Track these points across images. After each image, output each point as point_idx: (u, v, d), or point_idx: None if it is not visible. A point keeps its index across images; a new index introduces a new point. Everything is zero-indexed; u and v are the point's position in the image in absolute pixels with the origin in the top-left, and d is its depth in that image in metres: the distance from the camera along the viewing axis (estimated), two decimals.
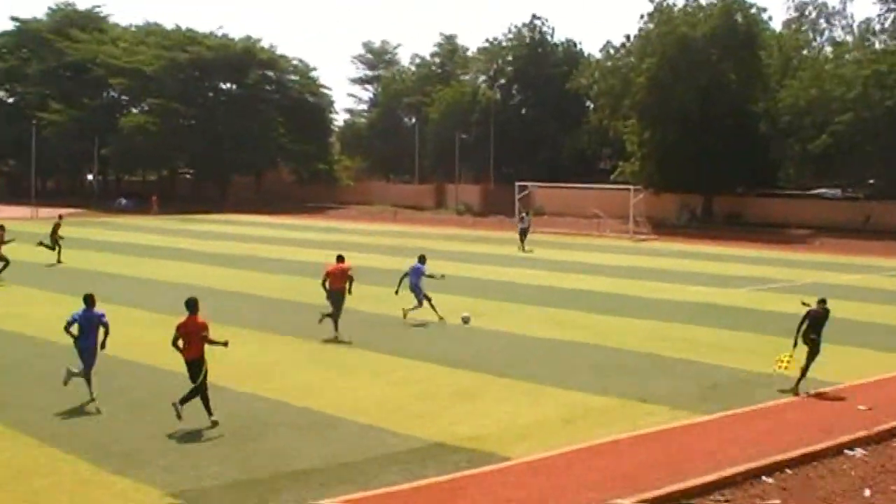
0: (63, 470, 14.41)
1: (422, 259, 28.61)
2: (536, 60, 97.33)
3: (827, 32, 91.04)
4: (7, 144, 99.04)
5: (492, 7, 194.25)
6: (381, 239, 59.16)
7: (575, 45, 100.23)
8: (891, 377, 21.67)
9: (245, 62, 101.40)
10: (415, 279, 27.88)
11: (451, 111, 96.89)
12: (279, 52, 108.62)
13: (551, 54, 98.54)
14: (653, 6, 76.03)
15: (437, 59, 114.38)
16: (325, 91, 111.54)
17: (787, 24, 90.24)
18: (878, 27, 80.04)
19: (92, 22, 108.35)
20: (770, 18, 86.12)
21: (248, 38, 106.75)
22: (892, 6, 78.17)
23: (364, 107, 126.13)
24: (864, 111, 66.29)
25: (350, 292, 25.57)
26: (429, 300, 27.87)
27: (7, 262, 36.22)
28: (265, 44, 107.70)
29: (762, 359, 22.56)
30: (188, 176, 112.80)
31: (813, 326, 19.89)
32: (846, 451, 16.03)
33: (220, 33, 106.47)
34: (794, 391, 19.67)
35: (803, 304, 20.69)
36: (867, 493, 14.30)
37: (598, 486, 13.78)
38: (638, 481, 13.95)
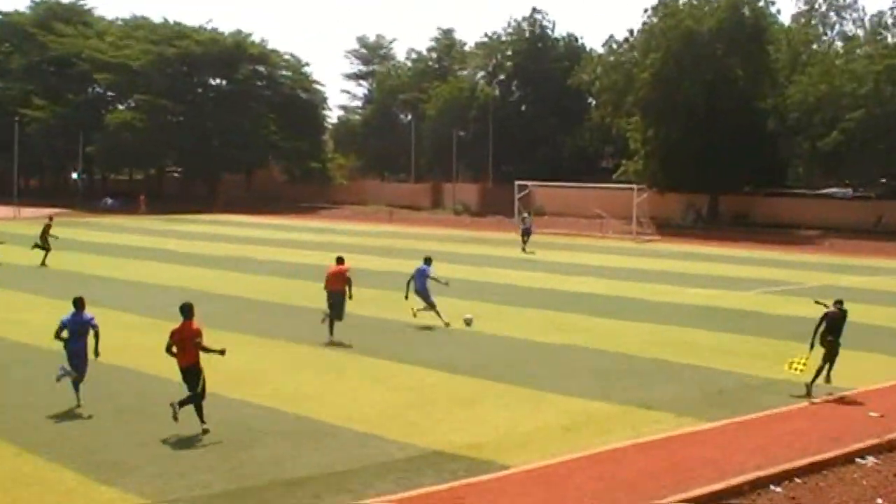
0: (48, 479, 14.41)
1: (427, 261, 28.59)
2: (536, 55, 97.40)
3: (837, 26, 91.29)
4: None
5: (490, 0, 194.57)
6: (376, 240, 59.18)
7: (576, 39, 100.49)
8: None
9: (235, 57, 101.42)
10: (420, 282, 27.94)
11: (449, 108, 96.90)
12: (270, 46, 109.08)
13: (552, 49, 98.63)
14: None
15: (433, 54, 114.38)
16: (318, 87, 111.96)
17: (796, 17, 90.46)
18: (890, 21, 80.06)
19: (76, 15, 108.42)
20: (778, 12, 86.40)
21: (239, 32, 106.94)
22: None
23: (358, 103, 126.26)
24: (876, 108, 66.41)
25: (350, 297, 25.65)
26: (428, 303, 27.92)
27: None
28: (256, 38, 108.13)
29: (769, 364, 22.61)
30: (176, 175, 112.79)
31: (830, 328, 20.00)
32: (857, 460, 16.04)
33: (209, 27, 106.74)
34: (808, 393, 19.81)
35: (817, 302, 20.80)
36: (879, 503, 14.33)
37: (599, 496, 13.81)
38: (641, 491, 13.97)
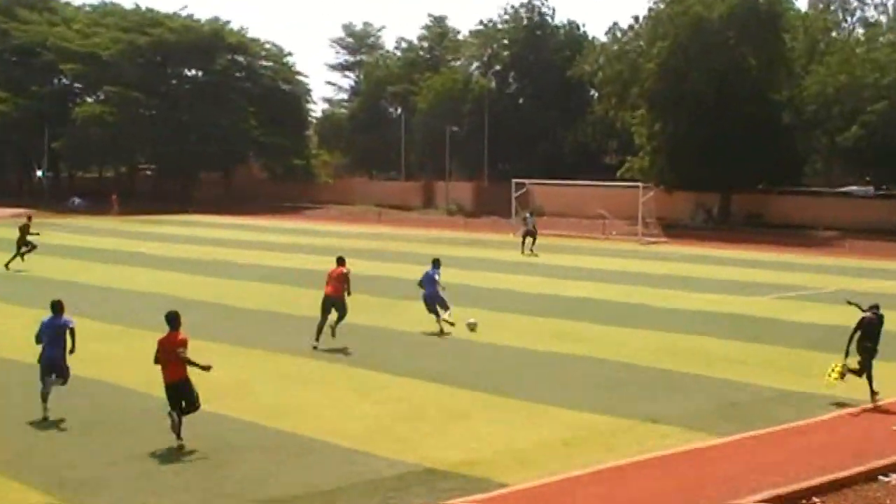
0: (10, 499, 14.39)
1: (436, 263, 28.81)
2: (535, 45, 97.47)
3: (858, 12, 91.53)
4: None
5: None
6: (364, 242, 59.16)
7: (578, 27, 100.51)
8: None
9: (212, 46, 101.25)
10: (430, 289, 28.14)
11: (441, 101, 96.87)
12: (250, 35, 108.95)
13: (551, 38, 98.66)
14: None
15: (425, 44, 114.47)
16: (302, 78, 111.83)
17: (813, 3, 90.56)
18: None
19: (41, 1, 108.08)
20: None
21: (216, 19, 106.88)
22: None
23: (344, 96, 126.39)
24: None
25: (349, 293, 26.08)
26: (434, 312, 28.11)
27: None
28: (234, 26, 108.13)
29: (786, 374, 22.66)
30: (149, 172, 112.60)
31: (867, 335, 20.14)
32: (880, 477, 16.05)
33: (184, 14, 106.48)
34: (873, 401, 20.08)
35: (849, 303, 20.91)
36: None
37: None
38: None
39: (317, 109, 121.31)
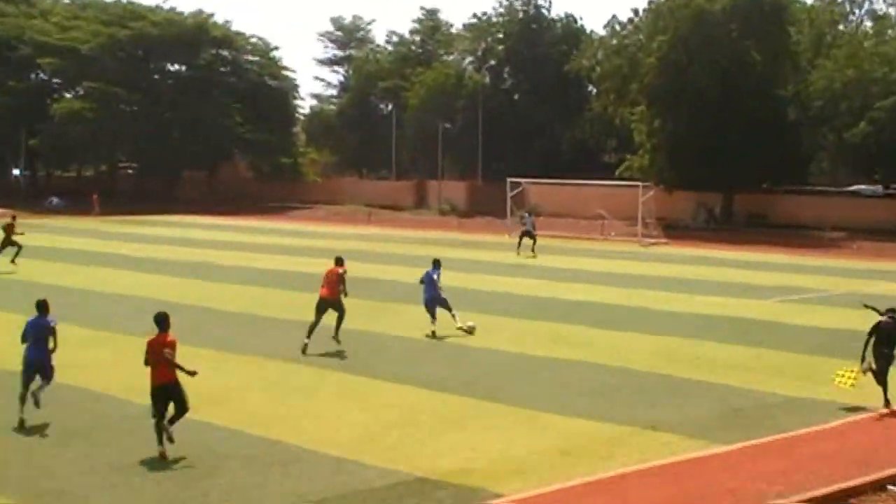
0: None
1: (436, 263, 28.97)
2: (531, 39, 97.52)
3: (866, 4, 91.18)
4: None
5: None
6: (354, 244, 59.11)
7: (575, 20, 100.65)
8: None
9: (196, 40, 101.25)
10: (430, 291, 28.29)
11: (434, 97, 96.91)
12: (235, 28, 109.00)
13: (548, 31, 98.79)
14: None
15: (416, 38, 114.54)
16: (289, 74, 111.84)
17: None
18: None
19: None
20: None
21: (200, 12, 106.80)
22: None
23: (333, 92, 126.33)
24: None
25: (346, 294, 26.43)
26: (432, 315, 28.21)
27: None
28: (219, 19, 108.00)
29: (791, 380, 22.67)
30: (130, 171, 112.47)
31: (884, 340, 20.14)
32: (889, 487, 16.03)
33: (166, 7, 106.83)
34: (886, 409, 20.06)
35: (866, 306, 20.89)
36: None
37: None
38: None
39: (304, 106, 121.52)
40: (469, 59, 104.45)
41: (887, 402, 20.16)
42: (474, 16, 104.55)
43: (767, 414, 20.19)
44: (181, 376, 17.09)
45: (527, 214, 56.36)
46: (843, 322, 30.50)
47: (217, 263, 47.13)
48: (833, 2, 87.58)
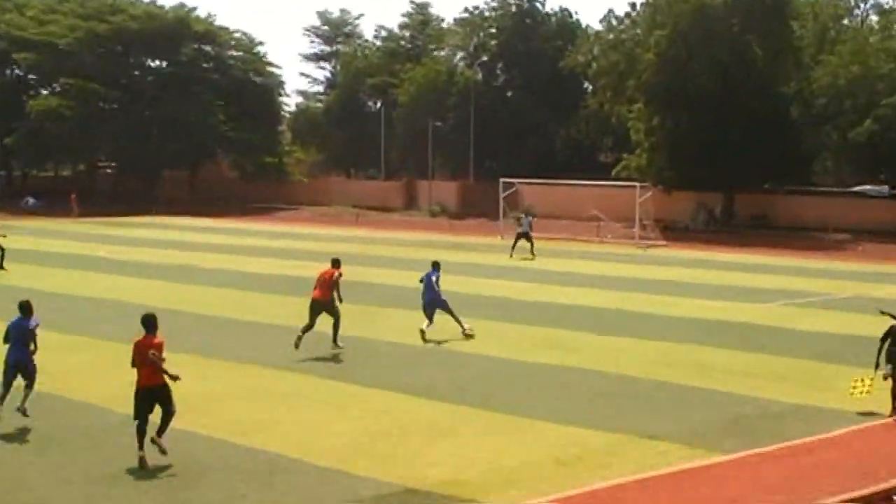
0: None
1: (435, 265, 29.29)
2: (525, 34, 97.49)
3: None
4: None
5: None
6: (342, 246, 59.04)
7: (570, 15, 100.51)
8: None
9: (177, 35, 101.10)
10: (430, 294, 28.41)
11: (424, 94, 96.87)
12: (218, 23, 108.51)
13: (542, 26, 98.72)
14: None
15: (406, 32, 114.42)
16: (274, 70, 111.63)
17: None
18: None
19: None
20: None
21: (181, 6, 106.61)
22: None
23: (320, 89, 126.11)
24: None
25: (341, 300, 26.58)
26: (429, 318, 28.35)
27: None
28: (201, 13, 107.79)
29: (794, 387, 22.68)
30: (109, 170, 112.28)
31: None
32: (895, 498, 16.10)
33: (147, 0, 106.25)
34: (893, 415, 20.10)
35: (883, 313, 20.92)
36: None
37: None
38: None
39: (290, 103, 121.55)
40: (460, 54, 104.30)
41: (895, 411, 20.19)
42: (466, 10, 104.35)
43: (770, 422, 20.20)
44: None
45: (524, 215, 56.28)
46: (848, 327, 30.57)
47: (200, 266, 47.09)
48: None
